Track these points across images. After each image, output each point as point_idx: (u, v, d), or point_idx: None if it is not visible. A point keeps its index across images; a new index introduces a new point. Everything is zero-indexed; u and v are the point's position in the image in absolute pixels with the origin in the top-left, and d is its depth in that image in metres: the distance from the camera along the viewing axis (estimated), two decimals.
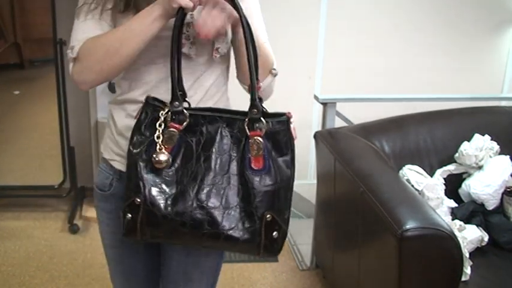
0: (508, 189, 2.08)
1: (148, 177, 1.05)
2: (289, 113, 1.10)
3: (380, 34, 3.38)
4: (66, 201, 3.11)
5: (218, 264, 1.30)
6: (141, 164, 1.05)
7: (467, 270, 1.73)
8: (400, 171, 2.04)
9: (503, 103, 2.94)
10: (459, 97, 2.64)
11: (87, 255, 2.63)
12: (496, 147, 2.14)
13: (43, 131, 3.40)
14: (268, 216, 1.04)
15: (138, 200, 1.04)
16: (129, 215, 1.06)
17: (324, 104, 2.40)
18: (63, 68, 2.87)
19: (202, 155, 1.05)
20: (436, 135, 2.22)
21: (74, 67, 1.09)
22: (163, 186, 1.05)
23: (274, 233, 1.06)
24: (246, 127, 1.05)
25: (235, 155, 1.05)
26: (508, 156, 2.13)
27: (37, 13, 3.22)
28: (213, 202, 1.03)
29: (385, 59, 3.43)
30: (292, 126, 1.09)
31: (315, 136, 2.25)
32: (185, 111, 1.06)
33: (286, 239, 3.00)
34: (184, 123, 1.05)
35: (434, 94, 2.94)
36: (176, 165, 1.05)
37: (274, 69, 1.19)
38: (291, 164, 1.07)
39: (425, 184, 1.96)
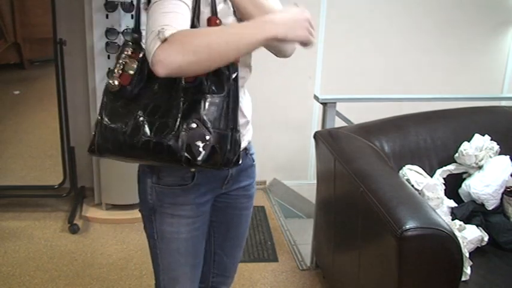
0: (508, 189, 2.08)
1: (109, 100, 1.21)
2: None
3: (380, 34, 3.39)
4: (66, 201, 3.11)
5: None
6: (105, 90, 1.23)
7: (467, 270, 1.73)
8: (400, 171, 2.04)
9: (503, 103, 2.94)
10: (459, 97, 2.64)
11: (87, 255, 2.64)
12: (496, 147, 2.14)
13: (43, 131, 3.40)
14: (193, 124, 1.11)
15: (99, 118, 1.20)
16: (93, 133, 1.21)
17: (324, 104, 2.40)
18: (63, 68, 2.87)
19: (155, 79, 1.15)
20: (436, 135, 2.22)
21: (167, 48, 1.03)
22: (120, 108, 1.19)
23: (198, 142, 1.11)
24: None
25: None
26: (508, 156, 2.13)
27: (37, 13, 3.21)
28: (151, 114, 1.15)
29: (385, 59, 3.44)
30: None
31: (314, 136, 2.25)
32: (142, 43, 1.20)
33: (286, 239, 3.01)
34: (142, 52, 1.19)
35: (434, 94, 2.94)
36: (135, 91, 1.19)
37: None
38: (226, 81, 1.14)
39: (425, 184, 1.96)
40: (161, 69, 1.01)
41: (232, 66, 1.15)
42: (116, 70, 1.21)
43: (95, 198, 3.07)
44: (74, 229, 2.85)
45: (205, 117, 1.12)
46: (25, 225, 2.91)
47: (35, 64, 3.51)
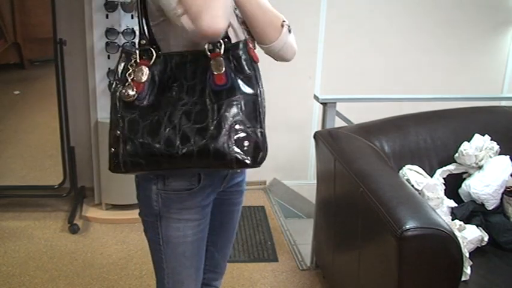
0: (508, 189, 2.08)
1: (125, 111, 1.18)
2: (248, 38, 1.23)
3: (380, 34, 3.39)
4: (66, 201, 3.11)
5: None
6: (118, 102, 1.18)
7: (467, 270, 1.73)
8: (400, 171, 2.04)
9: (503, 103, 2.94)
10: (459, 97, 2.64)
11: (87, 255, 2.64)
12: (496, 147, 2.14)
13: (43, 131, 3.40)
14: (236, 126, 1.12)
15: (118, 132, 1.17)
16: (113, 149, 1.17)
17: (324, 104, 2.40)
18: (63, 68, 2.87)
19: (173, 86, 1.17)
20: (436, 135, 2.22)
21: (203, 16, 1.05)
22: (139, 118, 1.16)
23: (246, 142, 1.12)
24: (207, 50, 1.14)
25: (201, 78, 1.15)
26: (508, 156, 2.13)
27: (37, 13, 3.21)
28: (184, 122, 1.13)
29: (385, 59, 3.44)
30: (250, 47, 1.19)
31: (315, 136, 2.25)
32: (151, 49, 1.18)
33: (286, 239, 3.01)
34: (153, 58, 1.17)
35: (434, 94, 2.94)
36: (151, 99, 1.17)
37: (284, 21, 1.26)
38: (256, 81, 1.16)
39: (425, 184, 1.96)
40: (211, 30, 1.03)
41: (256, 65, 1.18)
42: (128, 79, 1.18)
43: (95, 198, 3.07)
44: (74, 229, 2.85)
45: (245, 118, 1.13)
46: (25, 225, 2.91)
47: (35, 64, 3.51)
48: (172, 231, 1.32)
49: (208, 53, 1.14)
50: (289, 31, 1.30)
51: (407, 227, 1.42)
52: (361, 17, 3.33)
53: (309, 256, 2.59)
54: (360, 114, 2.45)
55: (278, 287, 2.44)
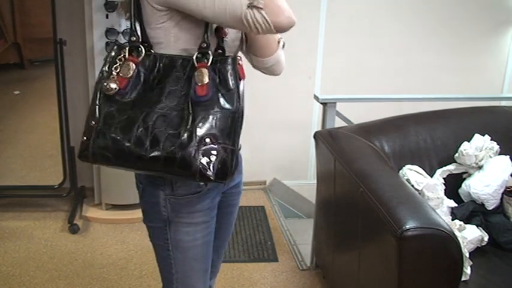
0: (508, 189, 2.08)
1: (104, 104, 1.18)
2: (234, 55, 1.23)
3: (380, 34, 3.39)
4: (66, 201, 3.11)
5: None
6: (99, 94, 1.19)
7: (467, 270, 1.73)
8: (400, 171, 2.04)
9: (503, 103, 2.94)
10: (459, 97, 2.64)
11: (87, 255, 2.64)
12: (496, 147, 2.14)
13: (43, 131, 3.40)
14: (207, 139, 1.12)
15: (93, 123, 1.17)
16: (85, 138, 1.18)
17: (324, 104, 2.40)
18: (63, 68, 2.87)
19: (156, 87, 1.17)
20: (436, 135, 2.22)
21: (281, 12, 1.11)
22: (116, 113, 1.17)
23: (212, 157, 1.12)
24: (195, 60, 1.16)
25: (184, 85, 1.16)
26: (508, 156, 2.13)
27: (37, 13, 3.21)
28: (158, 125, 1.14)
29: (385, 59, 3.44)
30: (240, 63, 1.21)
31: (315, 136, 2.25)
32: (141, 46, 1.18)
33: (286, 239, 3.01)
34: (141, 56, 1.18)
35: (435, 94, 2.94)
36: (133, 95, 1.17)
37: (281, 37, 1.28)
38: (237, 99, 1.16)
39: (425, 184, 1.96)
40: (288, 22, 1.11)
41: (241, 82, 1.19)
42: (113, 72, 1.18)
43: (95, 198, 3.07)
44: (74, 229, 2.85)
45: (217, 133, 1.13)
46: (25, 225, 2.91)
47: (35, 64, 3.51)
48: (182, 235, 1.32)
49: (196, 63, 1.15)
50: (283, 47, 1.33)
51: (407, 227, 1.42)
52: (361, 17, 3.33)
53: (309, 256, 2.59)
54: (360, 114, 2.45)
55: (278, 287, 2.44)
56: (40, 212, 3.06)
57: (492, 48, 3.55)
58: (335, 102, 2.39)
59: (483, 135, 2.16)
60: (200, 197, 1.29)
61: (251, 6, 1.08)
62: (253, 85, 1.48)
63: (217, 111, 1.14)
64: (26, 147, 3.41)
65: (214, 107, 1.14)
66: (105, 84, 1.17)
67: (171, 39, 1.20)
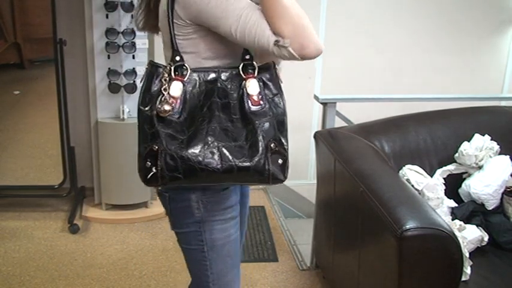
0: (508, 189, 2.08)
1: (161, 126, 1.18)
2: (272, 62, 1.25)
3: (380, 34, 3.39)
4: (66, 201, 3.11)
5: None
6: (154, 118, 1.19)
7: (467, 270, 1.73)
8: (400, 171, 2.04)
9: (503, 103, 2.94)
10: (459, 97, 2.64)
11: (87, 255, 2.64)
12: (496, 147, 2.14)
13: (43, 131, 3.40)
14: (272, 145, 1.20)
15: (156, 147, 1.17)
16: (149, 163, 1.18)
17: (324, 104, 2.40)
18: (63, 68, 2.87)
19: (206, 103, 1.20)
20: (436, 135, 2.22)
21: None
22: (176, 134, 1.19)
23: (280, 160, 1.21)
24: (241, 72, 1.20)
25: (235, 97, 1.20)
26: (508, 156, 2.13)
27: (37, 13, 3.22)
28: (221, 140, 1.18)
29: (385, 59, 3.44)
30: (278, 68, 1.25)
31: (315, 136, 2.25)
32: (185, 65, 1.20)
33: (286, 239, 3.01)
34: (187, 75, 1.20)
35: (434, 94, 2.94)
36: (185, 115, 1.19)
37: (277, 41, 1.20)
38: (282, 102, 1.23)
39: (425, 184, 1.96)
40: (315, 53, 1.15)
41: (281, 85, 1.25)
42: (164, 93, 1.19)
43: (95, 198, 3.07)
44: (74, 229, 2.85)
45: (278, 137, 1.21)
46: (25, 225, 2.91)
47: (35, 64, 3.51)
48: (216, 233, 1.33)
49: (243, 75, 1.20)
50: (280, 46, 1.27)
51: (407, 227, 1.42)
52: (361, 17, 3.33)
53: (309, 256, 2.59)
54: (360, 114, 2.45)
55: (278, 287, 2.44)
56: (40, 212, 3.06)
57: (492, 48, 3.55)
58: (335, 102, 2.39)
59: (483, 135, 2.16)
60: (229, 192, 1.32)
61: (277, 45, 1.12)
62: None
63: (271, 117, 1.20)
64: (26, 147, 3.41)
65: (268, 114, 1.20)
66: (159, 106, 1.18)
67: (201, 49, 1.22)
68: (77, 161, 3.04)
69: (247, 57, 1.21)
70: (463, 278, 1.67)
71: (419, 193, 1.93)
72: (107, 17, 2.73)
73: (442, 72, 3.51)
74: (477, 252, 1.89)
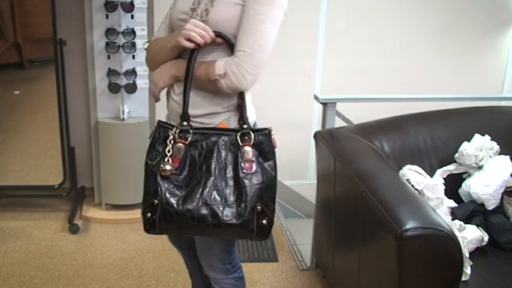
0: (508, 189, 2.08)
1: (163, 183, 1.32)
2: (270, 127, 1.39)
3: (380, 34, 3.39)
4: (66, 201, 3.11)
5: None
6: (158, 175, 1.33)
7: (467, 270, 1.73)
8: (400, 171, 2.04)
9: (503, 103, 2.93)
10: (459, 97, 2.64)
11: (87, 255, 2.64)
12: (496, 147, 2.14)
13: (43, 131, 3.39)
14: (258, 207, 1.32)
15: (156, 201, 1.32)
16: (149, 214, 1.34)
17: (324, 104, 2.40)
18: (63, 68, 2.87)
19: (204, 164, 1.33)
20: (436, 135, 2.22)
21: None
22: (175, 190, 1.32)
23: (264, 221, 1.33)
24: (239, 139, 1.34)
25: (230, 162, 1.34)
26: (508, 156, 2.13)
27: (37, 13, 3.21)
28: (215, 199, 1.31)
29: (385, 59, 3.44)
30: (272, 137, 1.39)
31: (315, 136, 2.25)
32: (190, 130, 1.34)
33: (286, 239, 3.01)
34: (189, 139, 1.33)
35: (434, 94, 2.94)
36: (184, 173, 1.33)
37: (218, 75, 1.34)
38: (274, 167, 1.37)
39: (425, 184, 1.96)
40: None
41: (274, 151, 1.40)
42: (167, 154, 1.32)
43: (95, 198, 3.07)
44: (74, 229, 2.85)
45: (266, 200, 1.33)
46: (25, 225, 2.91)
47: (35, 64, 3.51)
48: None
49: (240, 142, 1.34)
50: (220, 77, 1.36)
51: (407, 227, 1.42)
52: (361, 17, 3.33)
53: (309, 256, 2.59)
54: (360, 114, 2.45)
55: (278, 287, 2.44)
56: (40, 212, 3.06)
57: (492, 48, 3.55)
58: (335, 102, 2.39)
59: (483, 135, 2.16)
60: None
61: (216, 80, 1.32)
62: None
63: (262, 181, 1.33)
64: (26, 147, 3.41)
65: (260, 178, 1.33)
66: (162, 166, 1.31)
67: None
68: (77, 161, 3.04)
69: (245, 126, 1.37)
70: (463, 278, 1.67)
71: (419, 193, 1.93)
72: (107, 17, 2.73)
73: (442, 72, 3.51)
74: (477, 252, 1.89)
